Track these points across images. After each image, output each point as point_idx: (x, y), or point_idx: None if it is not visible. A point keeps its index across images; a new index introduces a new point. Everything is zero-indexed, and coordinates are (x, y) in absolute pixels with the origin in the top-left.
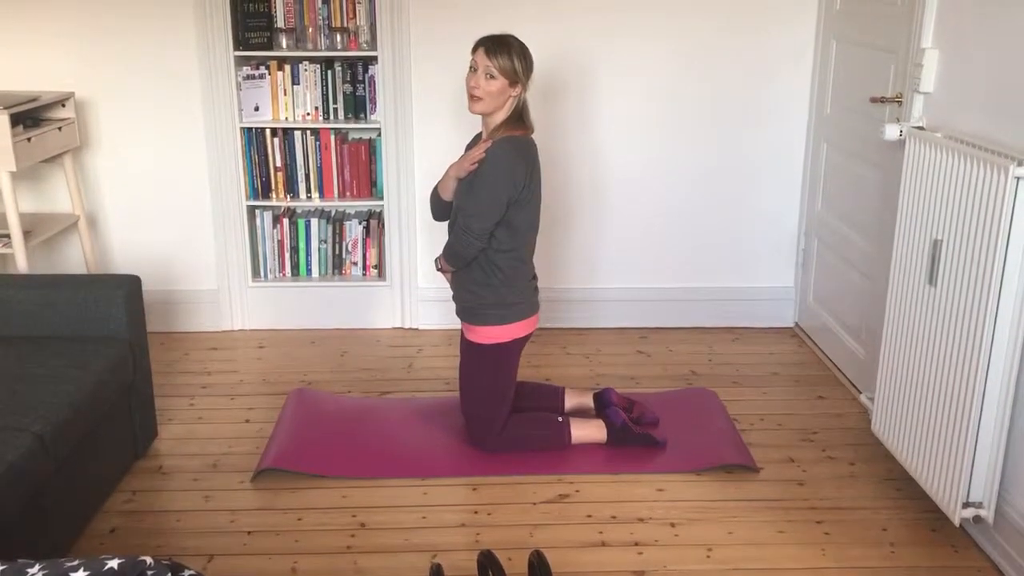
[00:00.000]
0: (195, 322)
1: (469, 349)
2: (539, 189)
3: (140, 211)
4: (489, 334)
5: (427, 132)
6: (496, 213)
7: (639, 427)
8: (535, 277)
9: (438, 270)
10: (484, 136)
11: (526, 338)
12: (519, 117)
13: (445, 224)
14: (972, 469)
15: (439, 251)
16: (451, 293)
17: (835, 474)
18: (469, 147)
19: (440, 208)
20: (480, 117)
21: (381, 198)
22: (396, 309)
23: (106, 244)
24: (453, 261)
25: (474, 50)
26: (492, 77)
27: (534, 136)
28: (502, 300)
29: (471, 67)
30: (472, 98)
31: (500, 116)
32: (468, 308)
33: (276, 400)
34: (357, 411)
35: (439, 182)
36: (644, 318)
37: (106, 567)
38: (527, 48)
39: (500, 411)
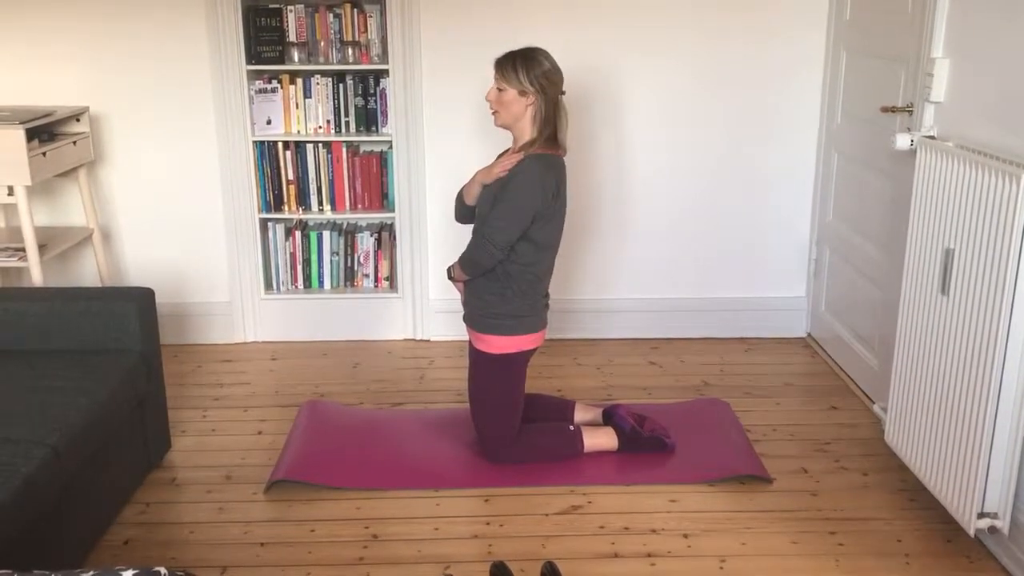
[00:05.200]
0: (208, 334)
1: (477, 359)
2: (564, 208)
3: (153, 224)
4: (496, 344)
5: (438, 144)
6: (520, 226)
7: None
8: (547, 295)
9: (450, 279)
10: (514, 150)
11: (533, 350)
12: (553, 136)
13: (456, 236)
14: (987, 479)
15: (450, 261)
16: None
17: (849, 484)
18: (499, 158)
19: (463, 212)
20: (509, 134)
21: (392, 210)
22: (408, 321)
23: (120, 257)
24: (469, 269)
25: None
26: (502, 90)
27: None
28: (513, 312)
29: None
30: (492, 113)
31: (527, 130)
32: (478, 316)
33: (288, 412)
34: (369, 423)
35: (464, 186)
36: (656, 328)
37: None
38: (539, 57)
39: (511, 421)
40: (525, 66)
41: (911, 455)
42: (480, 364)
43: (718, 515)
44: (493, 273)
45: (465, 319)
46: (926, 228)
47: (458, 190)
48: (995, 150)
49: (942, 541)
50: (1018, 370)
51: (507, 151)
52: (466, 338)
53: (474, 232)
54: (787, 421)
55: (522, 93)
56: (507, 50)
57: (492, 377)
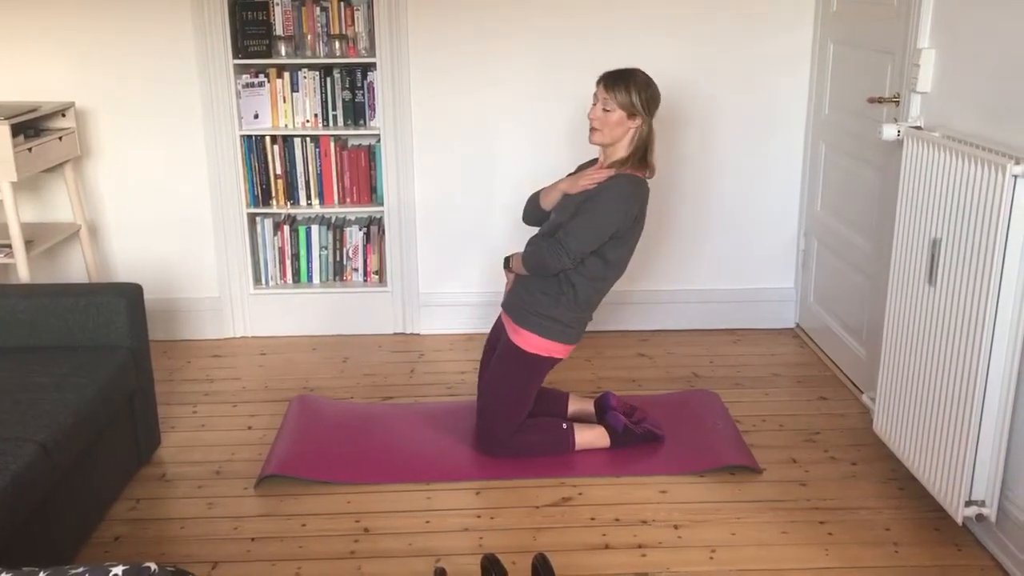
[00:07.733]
0: (197, 330)
1: (506, 350)
2: (640, 233)
3: (141, 220)
4: (532, 342)
5: (426, 137)
6: (598, 240)
7: (639, 426)
8: (592, 316)
9: (506, 267)
10: (602, 165)
11: (559, 360)
12: (643, 157)
13: (451, 231)
14: (974, 467)
15: (440, 254)
16: (452, 298)
17: (837, 474)
18: (580, 169)
19: (536, 215)
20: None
21: (381, 204)
22: (397, 314)
23: (107, 253)
24: (533, 267)
25: (597, 84)
26: (609, 110)
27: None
28: (561, 318)
29: (594, 99)
30: (592, 130)
31: (622, 149)
32: (525, 310)
33: (278, 407)
34: (359, 417)
35: (544, 190)
36: (644, 321)
37: (111, 574)
38: (651, 82)
39: (515, 418)
40: (636, 87)
41: (899, 444)
42: (507, 356)
43: (708, 506)
44: (556, 276)
45: (505, 306)
46: (913, 218)
47: (533, 192)
48: (981, 140)
49: (930, 529)
50: (1004, 358)
51: (591, 162)
52: (456, 331)
53: (543, 234)
54: (776, 412)
55: (631, 115)
56: (613, 69)
57: (514, 371)
